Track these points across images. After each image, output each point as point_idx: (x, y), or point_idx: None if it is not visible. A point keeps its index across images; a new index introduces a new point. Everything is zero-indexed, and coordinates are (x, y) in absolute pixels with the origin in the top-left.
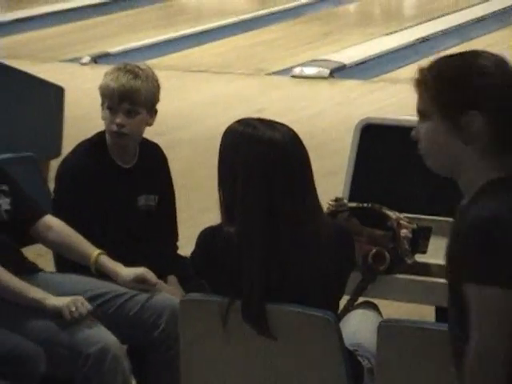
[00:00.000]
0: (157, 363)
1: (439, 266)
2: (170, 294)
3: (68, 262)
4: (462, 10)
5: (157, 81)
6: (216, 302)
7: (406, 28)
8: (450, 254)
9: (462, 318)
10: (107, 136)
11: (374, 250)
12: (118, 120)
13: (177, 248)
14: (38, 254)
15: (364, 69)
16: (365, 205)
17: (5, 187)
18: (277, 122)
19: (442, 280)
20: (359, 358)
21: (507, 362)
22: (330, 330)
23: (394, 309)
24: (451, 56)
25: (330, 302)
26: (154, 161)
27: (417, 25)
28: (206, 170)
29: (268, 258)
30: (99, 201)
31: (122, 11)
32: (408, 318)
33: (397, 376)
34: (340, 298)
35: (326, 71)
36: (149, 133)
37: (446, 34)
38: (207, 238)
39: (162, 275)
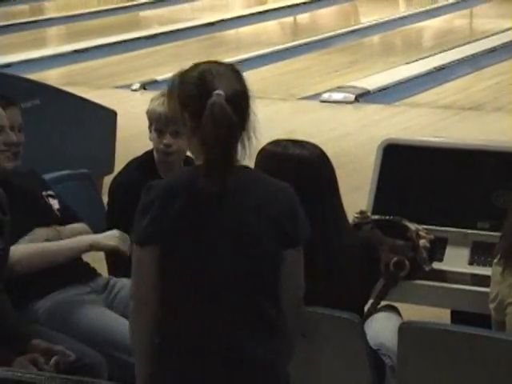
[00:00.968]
0: None
1: (454, 272)
2: None
3: (119, 268)
4: (474, 41)
5: None
6: None
7: (424, 57)
8: None
9: None
10: (155, 154)
11: (396, 259)
12: (166, 141)
13: None
14: (93, 260)
15: (386, 94)
16: (387, 217)
17: (50, 192)
18: (305, 142)
19: (457, 285)
20: (382, 356)
21: (155, 305)
22: (355, 331)
23: (413, 312)
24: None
25: (356, 306)
26: None
27: (434, 55)
28: None
29: None
30: None
31: (168, 43)
32: (426, 320)
33: (416, 373)
34: (365, 303)
35: (352, 96)
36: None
37: (460, 62)
38: None
39: None
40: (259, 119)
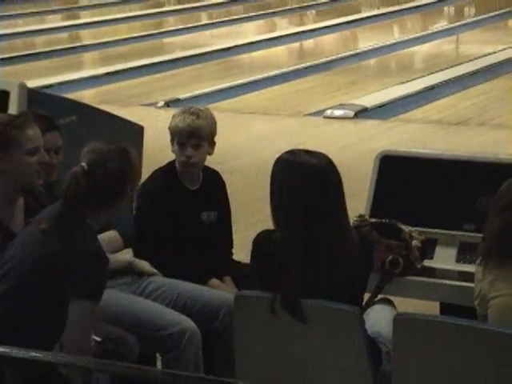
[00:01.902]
0: (217, 346)
1: (443, 269)
2: (225, 291)
3: (160, 268)
4: (460, 64)
5: (213, 119)
6: (263, 298)
7: (415, 78)
8: None
9: None
10: (177, 165)
11: (391, 257)
12: (187, 153)
13: (232, 254)
14: None
15: (382, 111)
16: (383, 220)
17: None
18: (316, 151)
19: (446, 281)
20: (379, 344)
21: None
22: (354, 321)
23: (406, 304)
24: None
25: (355, 298)
26: (214, 184)
27: (424, 76)
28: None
29: (304, 262)
30: (171, 215)
31: (189, 66)
32: (418, 312)
33: (409, 359)
34: (363, 294)
35: (352, 113)
36: (211, 162)
37: (447, 83)
38: (261, 238)
39: (219, 276)
40: (270, 133)
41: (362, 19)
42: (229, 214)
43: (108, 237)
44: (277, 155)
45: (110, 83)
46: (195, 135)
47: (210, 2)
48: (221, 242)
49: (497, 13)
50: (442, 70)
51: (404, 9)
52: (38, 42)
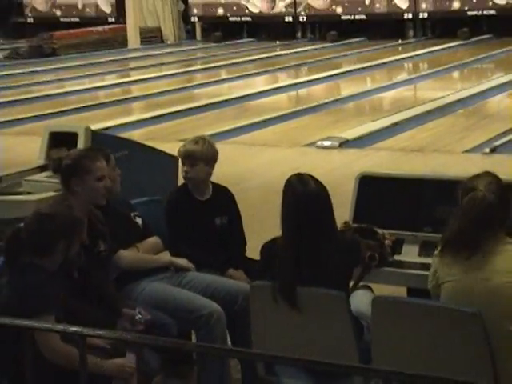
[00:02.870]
0: (237, 324)
1: (409, 262)
2: (240, 279)
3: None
4: (418, 105)
5: (212, 145)
6: (269, 286)
7: (384, 117)
8: None
9: None
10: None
11: (369, 253)
12: (184, 169)
13: (245, 251)
14: None
15: (360, 142)
16: (362, 225)
17: (136, 213)
18: (312, 177)
19: (411, 271)
20: (361, 320)
21: None
22: (342, 304)
23: (381, 289)
24: None
25: (342, 285)
26: (223, 195)
27: (391, 115)
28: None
29: (298, 258)
30: (187, 221)
31: (212, 110)
32: (390, 295)
33: (385, 331)
34: (349, 282)
35: (337, 144)
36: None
37: (408, 120)
38: (269, 242)
39: (235, 267)
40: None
41: (343, 73)
42: (239, 218)
43: (151, 242)
44: (281, 177)
45: (153, 125)
46: (191, 157)
47: (227, 62)
48: (234, 240)
49: (444, 67)
50: (404, 110)
51: (374, 64)
52: (100, 95)
